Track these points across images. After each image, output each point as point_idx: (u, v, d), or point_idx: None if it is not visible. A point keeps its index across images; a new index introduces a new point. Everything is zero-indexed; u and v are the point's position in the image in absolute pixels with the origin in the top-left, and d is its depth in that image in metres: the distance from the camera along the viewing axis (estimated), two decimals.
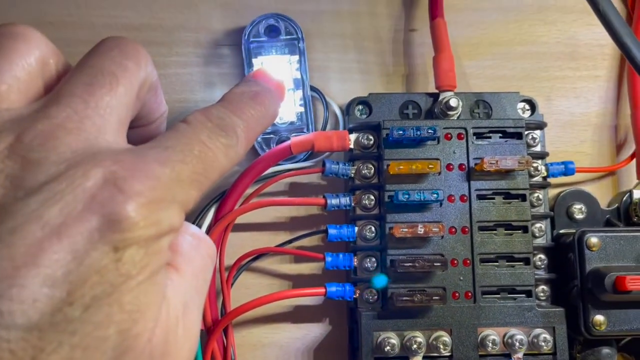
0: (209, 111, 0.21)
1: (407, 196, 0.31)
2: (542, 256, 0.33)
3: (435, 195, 0.31)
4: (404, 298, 0.31)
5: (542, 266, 0.33)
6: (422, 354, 0.31)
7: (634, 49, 0.28)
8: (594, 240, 0.31)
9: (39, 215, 0.16)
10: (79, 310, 0.16)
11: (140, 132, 0.23)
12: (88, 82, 0.19)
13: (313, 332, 0.35)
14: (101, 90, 0.19)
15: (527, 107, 0.35)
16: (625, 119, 0.37)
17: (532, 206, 0.33)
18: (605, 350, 0.32)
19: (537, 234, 0.33)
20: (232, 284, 0.34)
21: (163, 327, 0.18)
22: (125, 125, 0.20)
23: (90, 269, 0.16)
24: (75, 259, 0.16)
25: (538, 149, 0.34)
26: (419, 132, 0.31)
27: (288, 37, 0.34)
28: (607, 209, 0.35)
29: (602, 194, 0.36)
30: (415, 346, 0.31)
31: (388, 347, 0.31)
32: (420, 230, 0.31)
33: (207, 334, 0.32)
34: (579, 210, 0.35)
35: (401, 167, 0.31)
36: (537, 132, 0.34)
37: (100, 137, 0.18)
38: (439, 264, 0.31)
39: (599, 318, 0.31)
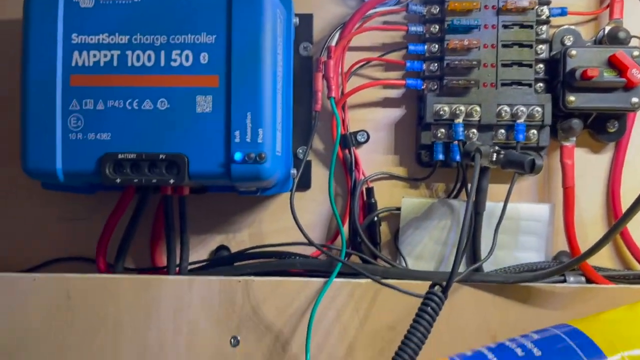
0: None
1: (458, 21, 0.52)
2: (542, 65, 0.54)
3: (475, 21, 0.52)
4: (453, 82, 0.52)
5: (541, 71, 0.54)
6: (462, 117, 0.52)
7: None
8: (573, 52, 0.51)
9: None
10: None
11: None
12: None
13: (395, 113, 0.57)
14: None
15: None
16: None
17: (537, 34, 0.53)
18: (575, 120, 0.53)
19: (539, 52, 0.54)
20: (347, 80, 0.56)
21: None
22: None
23: None
24: None
25: None
26: None
27: None
28: (587, 39, 0.55)
29: (587, 33, 0.56)
30: (458, 112, 0.52)
31: (442, 112, 0.52)
32: (465, 42, 0.52)
33: (335, 103, 0.54)
34: (568, 39, 0.54)
35: (456, 4, 0.52)
36: None
37: None
38: (475, 62, 0.52)
39: (571, 97, 0.51)
